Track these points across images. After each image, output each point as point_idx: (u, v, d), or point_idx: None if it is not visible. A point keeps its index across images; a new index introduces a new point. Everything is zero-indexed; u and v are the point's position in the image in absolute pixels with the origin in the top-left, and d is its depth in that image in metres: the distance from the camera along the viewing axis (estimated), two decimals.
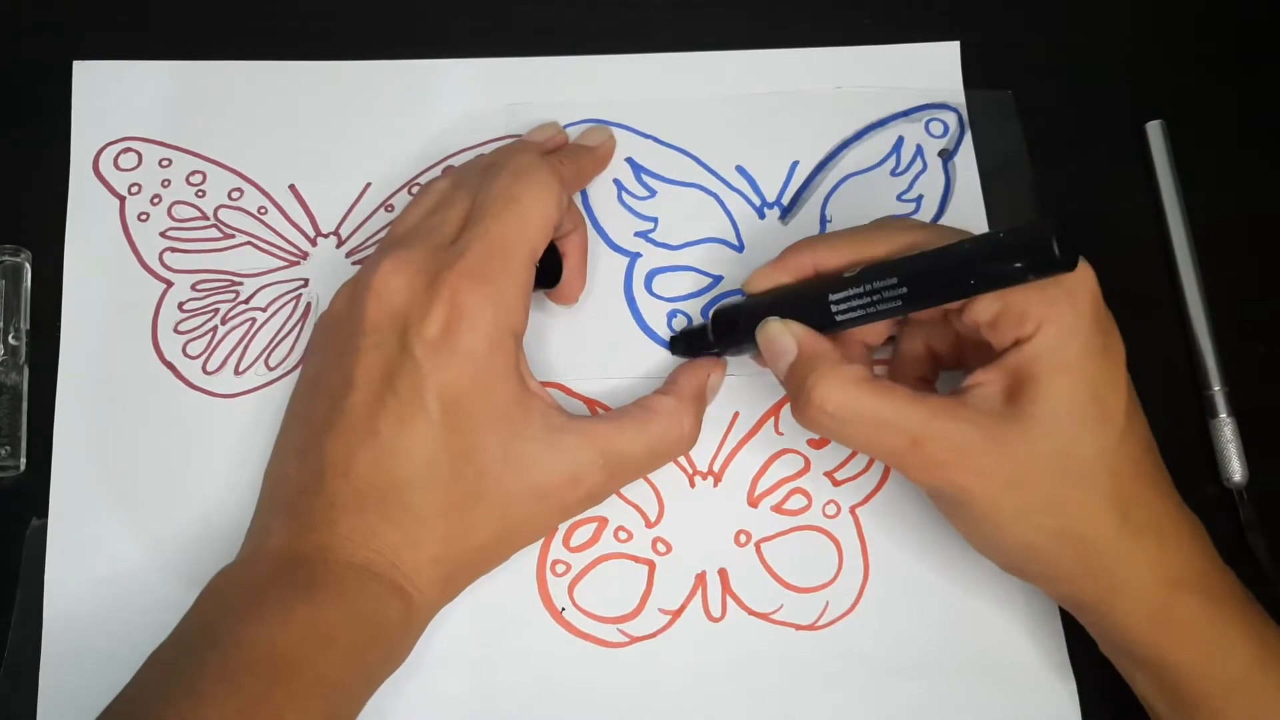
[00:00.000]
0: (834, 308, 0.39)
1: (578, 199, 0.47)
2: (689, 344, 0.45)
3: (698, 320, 0.46)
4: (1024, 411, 0.36)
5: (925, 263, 0.37)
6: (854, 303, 0.38)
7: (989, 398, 0.37)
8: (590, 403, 0.45)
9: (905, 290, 0.37)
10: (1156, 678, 0.38)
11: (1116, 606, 0.38)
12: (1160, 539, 0.38)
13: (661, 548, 0.44)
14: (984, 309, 0.37)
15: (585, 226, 0.45)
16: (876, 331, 0.42)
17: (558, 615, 0.43)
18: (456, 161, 0.47)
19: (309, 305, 0.46)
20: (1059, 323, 0.36)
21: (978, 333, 0.38)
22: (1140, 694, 0.40)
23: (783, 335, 0.39)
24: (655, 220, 0.48)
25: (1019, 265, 0.35)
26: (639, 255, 0.47)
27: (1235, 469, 0.46)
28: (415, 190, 0.47)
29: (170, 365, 0.45)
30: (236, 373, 0.45)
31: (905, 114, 0.49)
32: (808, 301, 0.40)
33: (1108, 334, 0.37)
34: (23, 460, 0.43)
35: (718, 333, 0.43)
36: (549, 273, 0.43)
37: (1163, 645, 0.37)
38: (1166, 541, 0.38)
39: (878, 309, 0.38)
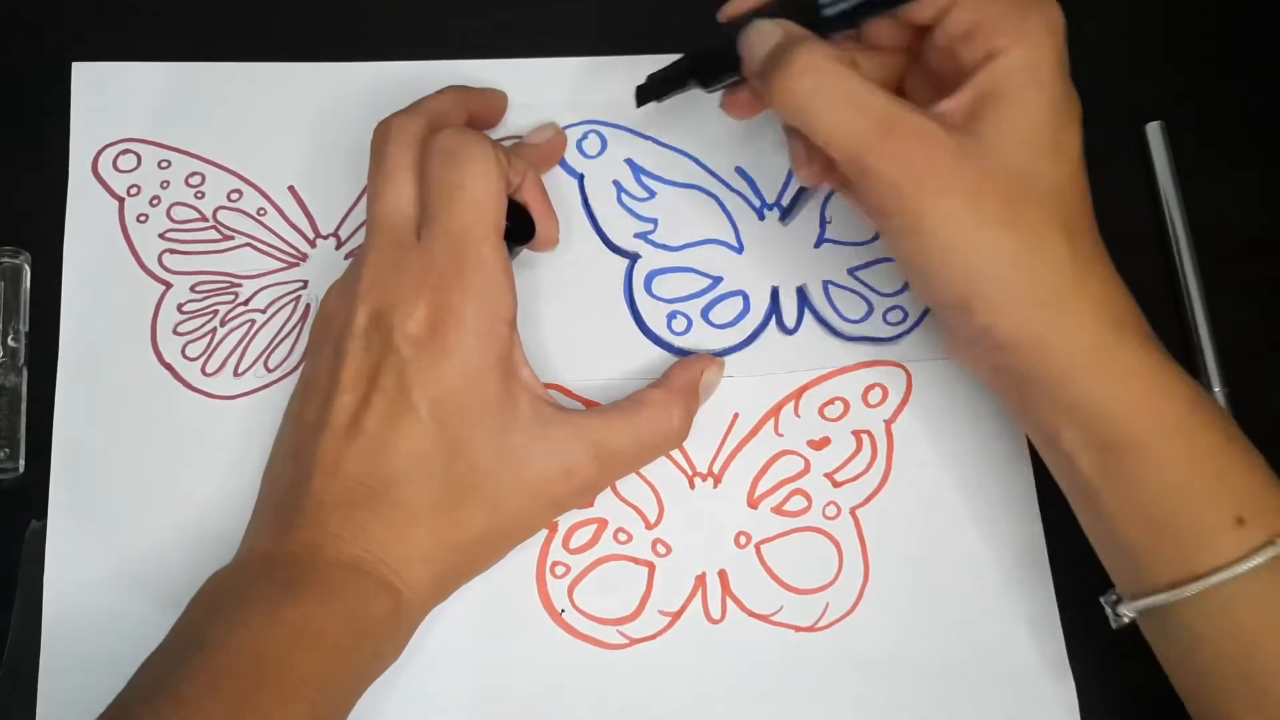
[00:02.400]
0: (821, 1, 0.38)
1: (575, 189, 0.47)
2: (658, 88, 0.44)
3: (697, 320, 0.46)
4: (987, 127, 0.36)
5: None
6: None
7: (956, 114, 0.37)
8: (590, 404, 0.45)
9: None
10: (1089, 426, 0.37)
11: (1061, 342, 0.37)
12: (1103, 280, 0.37)
13: (661, 549, 0.44)
14: (959, 19, 0.37)
15: (533, 170, 0.44)
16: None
17: (557, 617, 0.43)
18: None
19: (308, 307, 0.46)
20: (1030, 39, 0.36)
21: (952, 48, 0.37)
22: (1065, 454, 0.38)
23: (768, 28, 0.38)
24: (655, 221, 0.48)
25: None
26: (638, 256, 0.47)
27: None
28: None
29: (169, 367, 0.45)
30: (236, 374, 0.45)
31: None
32: (794, 6, 0.38)
33: (1069, 83, 0.37)
34: (22, 462, 0.43)
35: (701, 62, 0.42)
36: (521, 229, 0.43)
37: (1103, 383, 0.37)
38: (1109, 283, 0.37)
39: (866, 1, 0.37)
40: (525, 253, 0.45)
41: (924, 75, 0.40)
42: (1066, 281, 0.36)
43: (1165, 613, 0.37)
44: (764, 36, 0.38)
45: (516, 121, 0.48)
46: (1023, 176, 0.36)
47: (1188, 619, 0.37)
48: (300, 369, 0.43)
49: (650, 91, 0.44)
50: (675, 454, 0.45)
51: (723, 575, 0.44)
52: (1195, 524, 0.36)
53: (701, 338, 0.46)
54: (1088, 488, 0.38)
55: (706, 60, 0.42)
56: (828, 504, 0.45)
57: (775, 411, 0.46)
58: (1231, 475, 0.37)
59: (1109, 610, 0.40)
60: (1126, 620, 0.39)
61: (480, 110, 0.45)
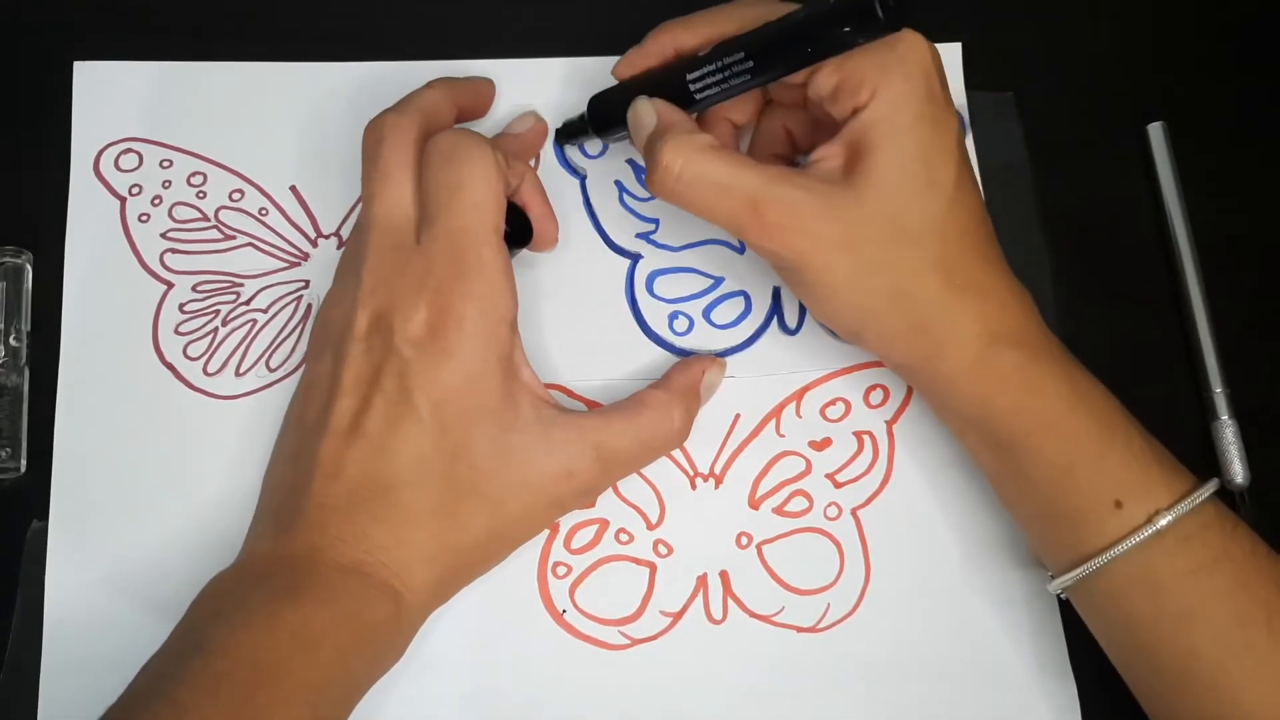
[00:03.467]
0: (692, 86, 0.41)
1: (577, 190, 0.47)
2: (569, 132, 0.47)
3: (699, 320, 0.46)
4: (858, 178, 0.38)
5: (767, 35, 0.39)
6: (709, 80, 0.40)
7: (828, 169, 0.39)
8: (591, 404, 0.45)
9: (751, 64, 0.39)
10: (981, 429, 0.41)
11: (942, 360, 0.40)
12: (982, 298, 0.40)
13: (663, 550, 0.44)
14: (824, 81, 0.39)
15: (532, 171, 0.45)
16: (742, 111, 0.44)
17: (559, 617, 0.43)
18: None
19: (310, 306, 0.46)
20: (891, 89, 0.38)
21: (823, 108, 0.40)
22: (972, 451, 0.42)
23: (646, 110, 0.41)
24: (656, 222, 0.48)
25: (846, 29, 0.37)
26: (640, 257, 0.47)
27: (1237, 470, 0.46)
28: None
29: (171, 367, 0.45)
30: (237, 374, 0.45)
31: None
32: (670, 82, 0.42)
33: (940, 106, 0.39)
34: (23, 462, 0.43)
35: (593, 118, 0.45)
36: (519, 231, 0.43)
37: (983, 393, 0.40)
38: (988, 301, 0.40)
39: (730, 84, 0.40)
40: (525, 252, 0.45)
41: (812, 122, 0.43)
42: (939, 310, 0.39)
43: (1074, 591, 0.41)
44: (641, 120, 0.41)
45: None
46: (892, 220, 0.38)
47: (1091, 596, 0.40)
48: (301, 370, 0.43)
49: (562, 135, 0.48)
50: (677, 454, 0.45)
51: (724, 576, 0.44)
52: (1079, 510, 0.39)
53: (703, 338, 0.46)
54: (991, 480, 0.43)
55: (600, 116, 0.45)
56: (829, 505, 0.45)
57: (776, 412, 0.46)
58: (1109, 460, 0.39)
59: (1048, 586, 0.42)
60: (1058, 597, 0.43)
61: (469, 101, 0.45)
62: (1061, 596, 0.42)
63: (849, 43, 0.37)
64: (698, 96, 0.41)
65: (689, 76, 0.41)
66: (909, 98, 0.38)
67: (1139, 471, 0.39)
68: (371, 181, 0.40)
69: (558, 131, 0.48)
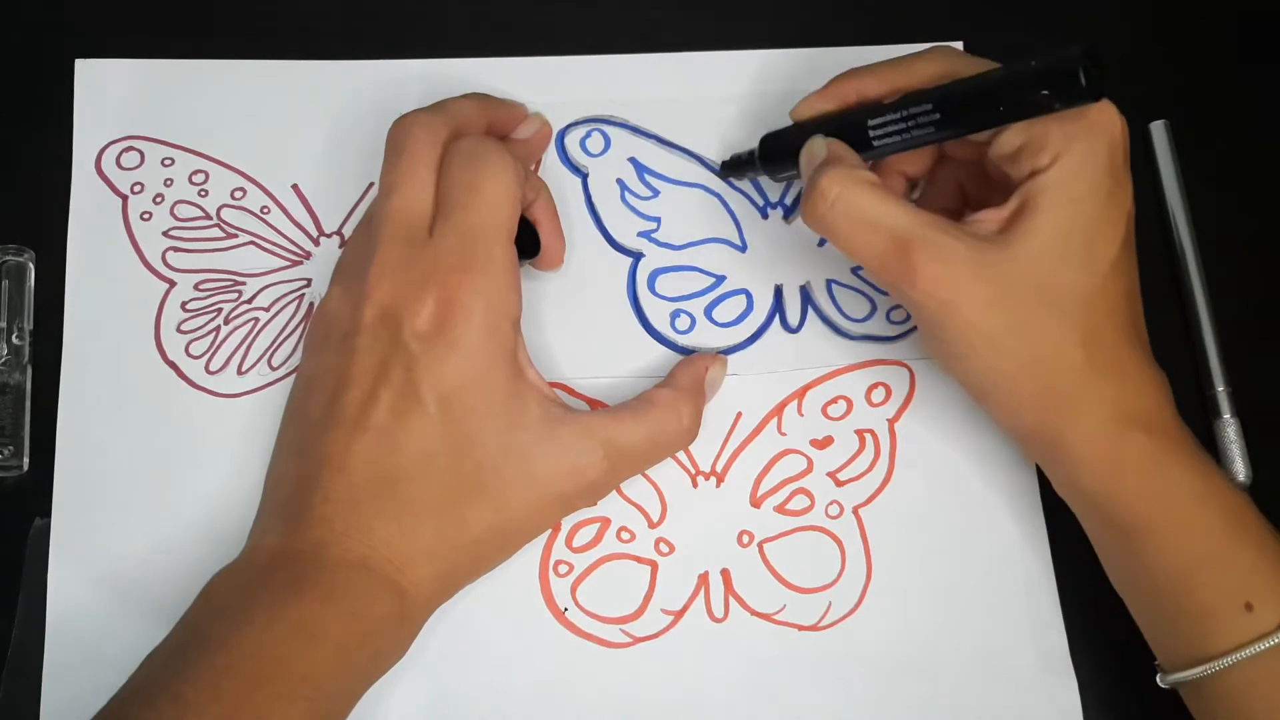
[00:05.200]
0: (871, 132, 0.40)
1: (578, 188, 0.47)
2: (735, 166, 0.47)
3: (701, 319, 0.46)
4: (1015, 238, 0.38)
5: (959, 90, 0.39)
6: (890, 128, 0.40)
7: (988, 224, 0.39)
8: (594, 402, 0.45)
9: (938, 116, 0.39)
10: (1104, 512, 0.39)
11: (1071, 438, 0.39)
12: (1121, 378, 0.39)
13: (664, 548, 0.44)
14: (1009, 141, 0.39)
15: (547, 189, 0.45)
16: (915, 163, 0.44)
17: (560, 615, 0.43)
18: None
19: (312, 305, 0.46)
20: (1072, 157, 0.37)
21: (1002, 167, 0.39)
22: (1091, 531, 0.41)
23: (820, 145, 0.41)
24: (658, 220, 0.48)
25: (1045, 93, 0.36)
26: (642, 255, 0.47)
27: (1239, 469, 0.46)
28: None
29: (173, 365, 0.45)
30: (239, 372, 0.45)
31: None
32: (848, 126, 0.41)
33: (1118, 181, 0.38)
34: (26, 460, 0.43)
35: (765, 155, 0.45)
36: (526, 245, 0.43)
37: (1110, 475, 0.39)
38: (1126, 383, 0.39)
39: (912, 134, 0.39)
40: (528, 267, 0.45)
41: (987, 180, 0.43)
42: (1077, 385, 0.38)
43: (1188, 688, 0.39)
44: (813, 154, 0.41)
45: None
46: (1044, 288, 0.38)
47: (1207, 696, 0.39)
48: (300, 365, 0.43)
49: (729, 169, 0.47)
50: (678, 453, 0.45)
51: (725, 574, 0.44)
52: (1206, 607, 0.38)
53: (705, 336, 0.46)
54: (1111, 565, 0.41)
55: (773, 155, 0.44)
56: (830, 503, 0.45)
57: (778, 410, 0.46)
58: (1240, 560, 0.38)
59: (1159, 678, 0.41)
60: (1167, 687, 0.40)
61: (500, 118, 0.45)
62: (1164, 686, 0.40)
63: (1045, 107, 0.36)
64: (876, 144, 0.40)
65: (870, 123, 0.40)
66: (1088, 168, 0.38)
67: (1272, 575, 0.38)
68: (393, 174, 0.40)
69: (724, 165, 0.47)
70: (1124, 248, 0.39)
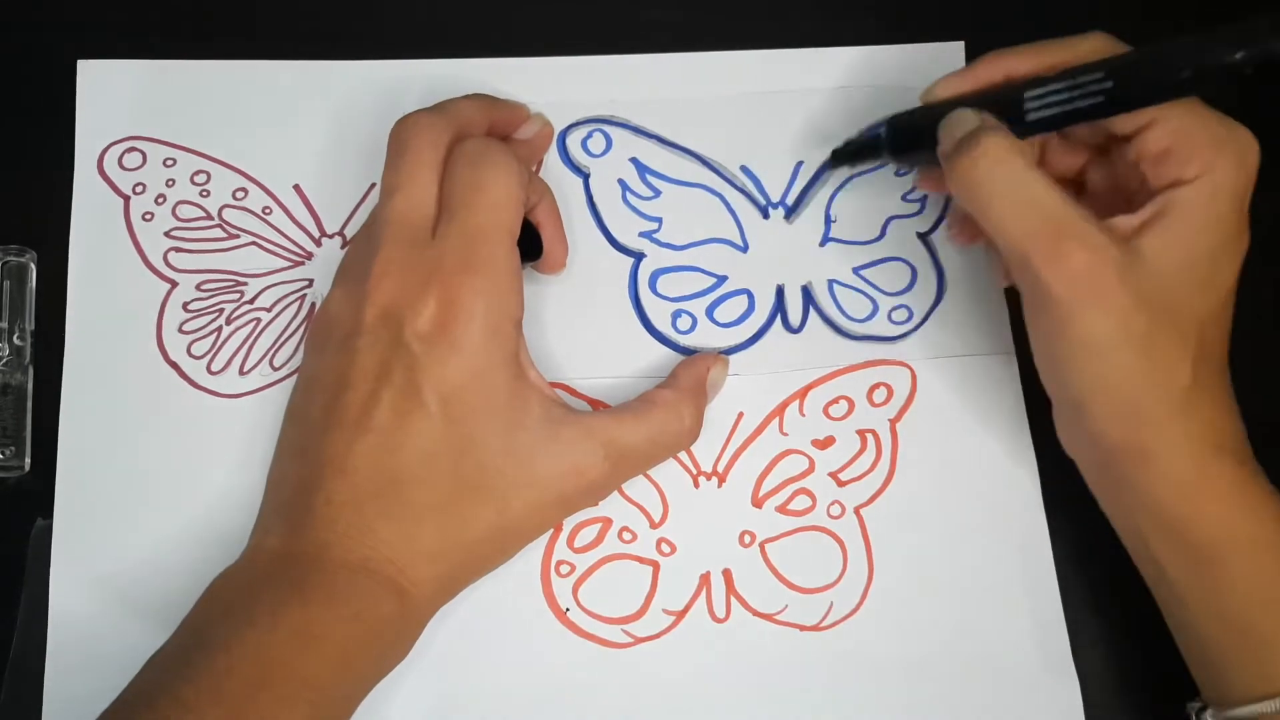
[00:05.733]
0: (1029, 104, 0.38)
1: (580, 189, 0.48)
2: (852, 154, 0.45)
3: (702, 319, 0.46)
4: (1152, 249, 0.37)
5: (1135, 58, 0.38)
6: (1052, 98, 0.38)
7: (1123, 228, 0.38)
8: (595, 403, 0.45)
9: (1111, 85, 0.37)
10: (1178, 536, 0.39)
11: (1159, 457, 0.38)
12: (1215, 405, 0.39)
13: (666, 548, 0.44)
14: (1156, 140, 0.38)
15: (551, 193, 0.45)
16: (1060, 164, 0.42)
17: (562, 616, 0.43)
18: None
19: (313, 305, 0.46)
20: (1220, 174, 0.37)
21: (1141, 168, 0.39)
22: (1152, 557, 0.40)
23: (969, 116, 0.39)
24: (659, 220, 0.48)
25: (1239, 56, 0.35)
26: (643, 255, 0.47)
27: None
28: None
29: (175, 365, 0.45)
30: (241, 373, 0.45)
31: None
32: (998, 103, 0.39)
33: (1245, 217, 0.38)
34: (27, 460, 0.43)
35: (896, 136, 0.43)
36: (529, 248, 0.43)
37: (1196, 499, 0.38)
38: (1219, 408, 0.39)
39: (1077, 105, 0.38)
40: (529, 270, 0.45)
41: (1106, 177, 0.42)
42: (1179, 404, 0.38)
43: None
44: (962, 122, 0.39)
45: None
46: (1170, 304, 0.37)
47: None
48: (300, 366, 0.43)
49: (845, 157, 0.45)
50: (680, 453, 0.45)
51: (727, 574, 0.44)
52: (1270, 640, 0.38)
53: (706, 336, 0.46)
54: (1175, 592, 0.39)
55: (904, 135, 0.43)
56: (832, 503, 0.45)
57: (780, 410, 0.46)
58: None
59: (1192, 717, 0.40)
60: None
61: (501, 120, 0.45)
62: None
63: (1236, 70, 0.35)
64: (1030, 117, 0.38)
65: (1029, 94, 0.38)
66: (1232, 190, 0.37)
67: None
68: (396, 175, 0.40)
69: (835, 153, 0.45)
70: (1237, 279, 0.39)
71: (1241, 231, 0.38)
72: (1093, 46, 0.40)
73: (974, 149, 0.38)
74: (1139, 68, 0.37)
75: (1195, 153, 0.37)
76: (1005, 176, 0.37)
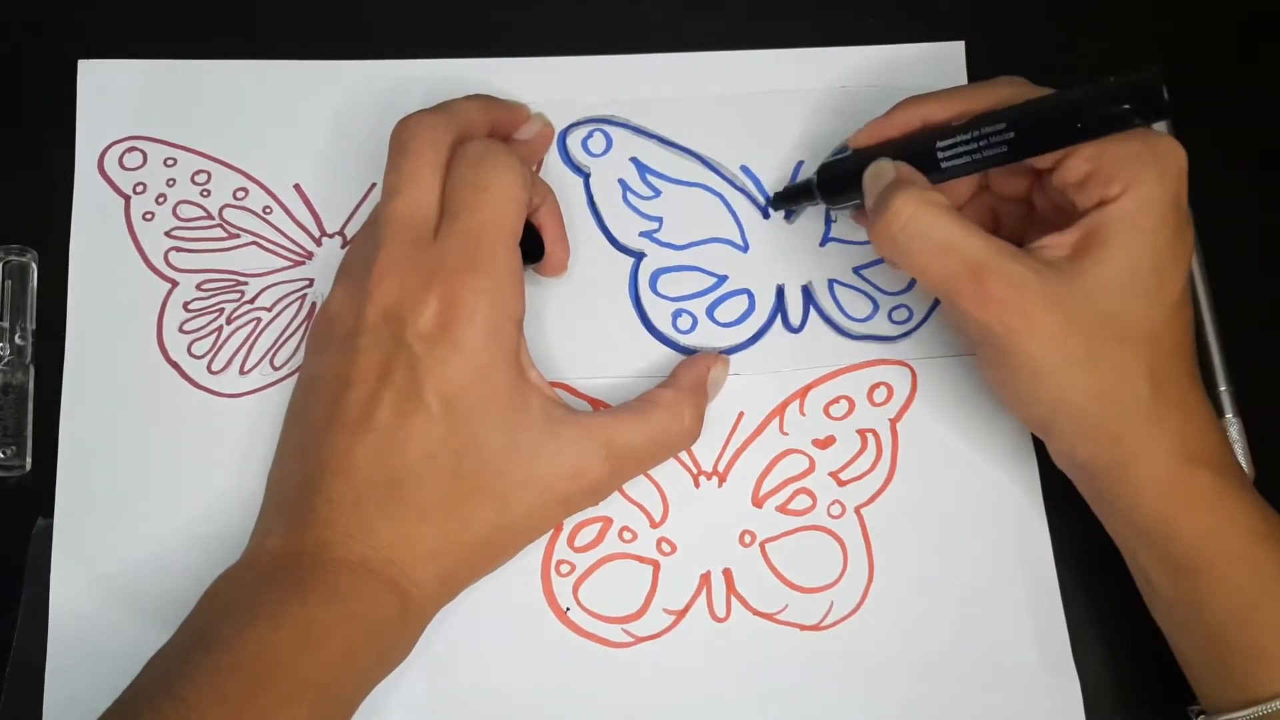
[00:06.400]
0: (940, 154, 0.40)
1: (580, 188, 0.48)
2: (788, 197, 0.47)
3: (702, 318, 0.46)
4: (1086, 269, 0.38)
5: (1034, 109, 0.39)
6: (960, 149, 0.40)
7: (1055, 253, 0.38)
8: (595, 402, 0.45)
9: (1012, 136, 0.38)
10: (1160, 549, 0.39)
11: (1132, 472, 0.39)
12: (1184, 415, 0.39)
13: (666, 548, 0.44)
14: (1076, 168, 0.39)
15: (553, 195, 0.45)
16: (954, 195, 0.43)
17: (562, 615, 0.43)
18: None
19: (314, 305, 0.46)
20: (1144, 188, 0.38)
21: (1067, 195, 0.39)
22: (1141, 569, 0.40)
23: (886, 167, 0.40)
24: (660, 220, 0.48)
25: (1126, 108, 0.36)
26: (644, 255, 0.47)
27: (1242, 467, 0.46)
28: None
29: (175, 365, 0.45)
30: (241, 372, 0.45)
31: None
32: (914, 150, 0.41)
33: (1183, 219, 0.38)
34: (28, 460, 0.43)
35: (824, 185, 0.44)
36: (531, 249, 0.43)
37: (1171, 514, 0.38)
38: (1189, 419, 0.39)
39: (984, 155, 0.39)
40: (531, 272, 0.45)
41: (1047, 198, 0.42)
42: (1143, 418, 0.38)
43: None
44: (880, 175, 0.40)
45: None
46: (1113, 319, 0.38)
47: None
48: (301, 365, 0.43)
49: (781, 201, 0.47)
50: (681, 453, 0.45)
51: (727, 574, 0.44)
52: (1259, 649, 0.38)
53: (707, 336, 0.46)
54: (1161, 604, 0.40)
55: (832, 183, 0.44)
56: (832, 503, 0.45)
57: (780, 410, 0.46)
58: None
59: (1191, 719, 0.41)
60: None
61: (504, 120, 0.45)
62: None
63: (1126, 123, 0.37)
64: (944, 165, 0.40)
65: (940, 144, 0.40)
66: (1158, 201, 0.38)
67: None
68: (398, 175, 0.40)
69: (775, 196, 0.47)
70: (1185, 288, 0.39)
71: (1179, 238, 0.38)
72: (1005, 93, 0.40)
73: (886, 210, 0.39)
74: (1036, 119, 0.39)
75: (1115, 172, 0.38)
76: (918, 231, 0.38)
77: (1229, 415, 0.46)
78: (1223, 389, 0.46)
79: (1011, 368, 0.39)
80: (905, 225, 0.38)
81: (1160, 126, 0.49)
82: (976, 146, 0.39)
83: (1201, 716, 0.40)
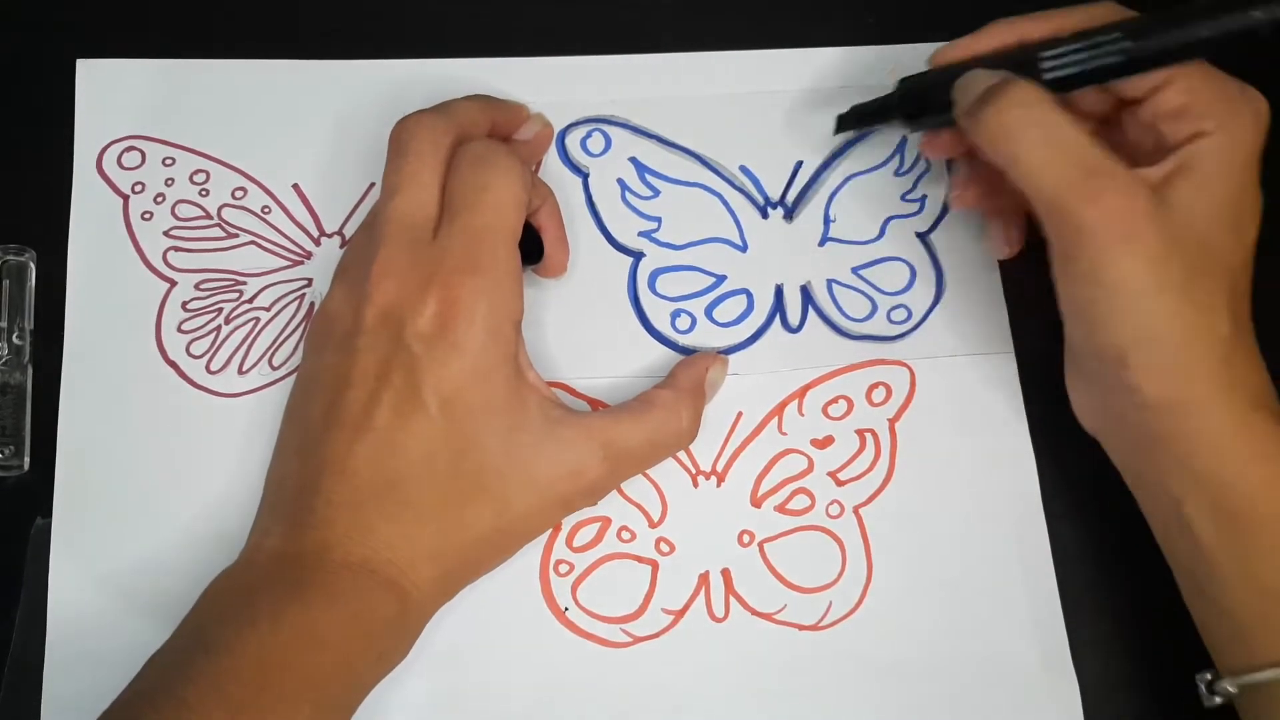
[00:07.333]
0: (1045, 64, 0.39)
1: (579, 188, 0.48)
2: (860, 118, 0.45)
3: (701, 318, 0.46)
4: (1179, 196, 0.37)
5: (1154, 20, 0.38)
6: (1068, 58, 0.39)
7: (1152, 180, 0.38)
8: (594, 402, 0.45)
9: (1129, 44, 0.38)
10: (1215, 495, 0.38)
11: (1203, 411, 0.37)
12: (1250, 359, 0.39)
13: (665, 548, 0.44)
14: (1172, 99, 0.39)
15: (554, 197, 0.45)
16: None
17: (560, 615, 0.43)
18: None
19: (313, 305, 0.46)
20: (1237, 128, 0.38)
21: (1155, 128, 0.39)
22: (1184, 518, 0.38)
23: (981, 74, 0.40)
24: (659, 220, 0.48)
25: (1257, 13, 0.36)
26: (642, 255, 0.47)
27: None
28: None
29: (174, 364, 0.45)
30: (240, 372, 0.45)
31: None
32: (1012, 62, 0.40)
33: (1258, 174, 0.39)
34: (27, 460, 0.43)
35: (907, 98, 0.43)
36: (530, 250, 0.43)
37: (1235, 457, 0.37)
38: (1253, 364, 0.39)
39: (1095, 65, 0.38)
40: (530, 274, 0.45)
41: (1111, 144, 0.41)
42: (1220, 356, 0.37)
43: (1250, 697, 0.38)
44: (981, 79, 0.40)
45: None
46: (1206, 249, 0.37)
47: (1273, 703, 0.37)
48: (300, 366, 0.43)
49: (851, 121, 0.45)
50: (679, 452, 0.45)
51: (726, 574, 0.44)
52: None
53: (705, 336, 0.46)
54: (1203, 556, 0.38)
55: (915, 98, 0.43)
56: (831, 503, 0.45)
57: (779, 410, 0.46)
58: None
59: (1203, 689, 0.40)
60: (1220, 700, 0.39)
61: (501, 120, 0.45)
62: (1221, 698, 0.39)
63: (1255, 29, 0.36)
64: (1047, 76, 0.39)
65: (1045, 54, 0.39)
66: (1248, 142, 0.38)
67: None
68: (397, 175, 0.40)
69: (843, 117, 0.46)
70: (1258, 232, 0.39)
71: (1256, 185, 0.39)
72: (1102, 12, 0.40)
73: (1002, 97, 0.38)
74: (1158, 28, 0.38)
75: (1212, 108, 0.38)
76: (1036, 121, 0.38)
77: None
78: None
79: (1104, 284, 0.37)
80: (1024, 115, 0.37)
81: None
82: (1088, 56, 0.38)
83: (1224, 681, 0.39)
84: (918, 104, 0.43)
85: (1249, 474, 0.37)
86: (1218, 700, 0.39)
